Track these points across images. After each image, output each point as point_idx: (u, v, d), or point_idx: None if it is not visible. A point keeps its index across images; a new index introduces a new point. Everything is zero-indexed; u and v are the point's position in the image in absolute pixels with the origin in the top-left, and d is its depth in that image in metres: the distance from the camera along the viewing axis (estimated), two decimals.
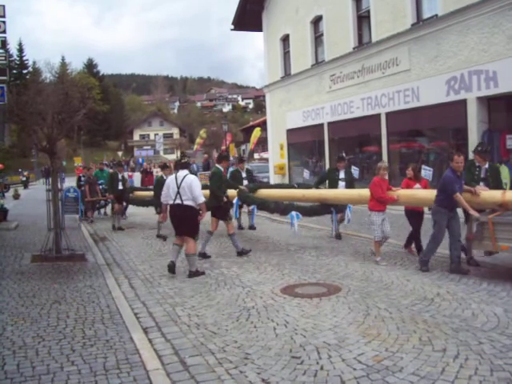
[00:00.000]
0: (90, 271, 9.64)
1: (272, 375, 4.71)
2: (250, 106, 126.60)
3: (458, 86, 14.26)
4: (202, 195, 8.97)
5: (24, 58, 78.05)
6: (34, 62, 71.05)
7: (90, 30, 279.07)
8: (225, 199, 10.65)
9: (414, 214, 9.82)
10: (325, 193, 11.48)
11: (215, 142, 67.18)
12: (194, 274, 8.92)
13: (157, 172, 30.93)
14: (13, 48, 70.26)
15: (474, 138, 13.89)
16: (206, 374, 4.79)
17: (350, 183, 12.15)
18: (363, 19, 18.76)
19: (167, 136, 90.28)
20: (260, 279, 8.49)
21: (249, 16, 25.58)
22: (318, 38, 21.74)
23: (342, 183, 12.04)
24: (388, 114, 17.26)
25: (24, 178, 47.16)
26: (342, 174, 12.18)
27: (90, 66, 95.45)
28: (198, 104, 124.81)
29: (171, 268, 8.97)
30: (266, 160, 29.09)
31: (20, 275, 9.30)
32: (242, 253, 10.56)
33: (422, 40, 15.56)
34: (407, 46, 16.16)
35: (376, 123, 17.75)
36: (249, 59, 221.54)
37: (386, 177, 9.79)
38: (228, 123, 45.70)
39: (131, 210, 18.84)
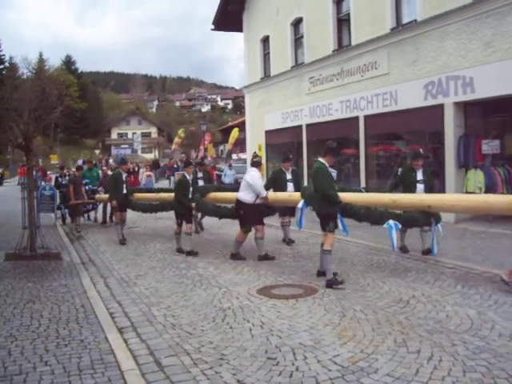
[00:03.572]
0: (65, 270, 9.55)
1: (247, 376, 4.70)
2: (229, 106, 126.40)
3: (436, 90, 14.42)
4: (262, 190, 10.11)
5: (0, 54, 76.95)
6: (11, 58, 70.04)
7: (71, 26, 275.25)
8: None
9: None
10: (428, 198, 8.97)
11: (194, 141, 67.21)
12: (232, 256, 10.29)
13: (143, 172, 30.16)
14: None
15: (450, 143, 14.07)
16: (181, 375, 4.77)
17: (430, 186, 10.16)
18: (343, 22, 18.84)
19: (145, 135, 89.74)
20: (236, 280, 8.48)
21: (229, 16, 25.52)
22: (297, 40, 21.79)
23: (420, 185, 9.99)
24: (366, 117, 17.36)
25: None
26: (419, 175, 10.09)
27: (69, 62, 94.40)
28: (177, 103, 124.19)
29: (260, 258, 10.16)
30: (244, 161, 29.11)
31: None
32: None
33: (401, 44, 15.70)
34: (386, 50, 16.29)
35: (354, 126, 17.84)
36: (230, 59, 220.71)
37: None
38: (207, 123, 45.77)
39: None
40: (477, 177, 13.52)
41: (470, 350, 5.11)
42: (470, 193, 13.07)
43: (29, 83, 12.04)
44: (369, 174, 17.46)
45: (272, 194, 10.58)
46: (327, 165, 8.21)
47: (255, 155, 11.26)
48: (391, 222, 8.52)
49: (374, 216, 8.68)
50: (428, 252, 9.90)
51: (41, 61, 67.83)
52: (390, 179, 15.88)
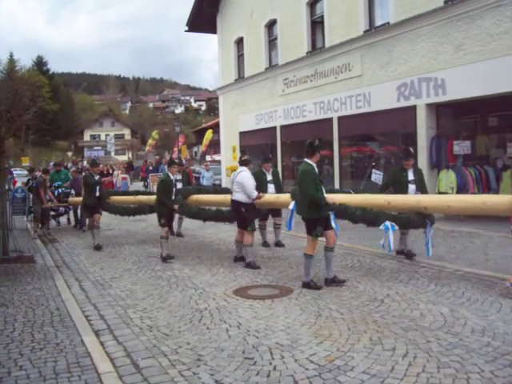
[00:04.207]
0: (38, 273, 9.43)
1: (225, 376, 4.71)
2: (203, 107, 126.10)
3: (409, 92, 14.62)
4: (252, 191, 9.60)
5: None
6: None
7: (42, 26, 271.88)
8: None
9: None
10: (424, 199, 8.66)
11: (167, 143, 67.04)
12: (247, 264, 9.49)
13: (118, 174, 29.69)
14: None
15: (422, 144, 14.27)
16: (158, 376, 4.76)
17: (422, 186, 9.67)
18: (317, 24, 19.00)
19: (119, 137, 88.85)
20: (212, 281, 8.48)
21: (204, 18, 25.55)
22: (271, 42, 21.89)
23: (412, 186, 9.53)
24: (340, 119, 17.52)
25: None
26: (411, 175, 9.64)
27: (40, 63, 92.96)
28: (151, 105, 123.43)
29: (236, 260, 9.99)
30: (218, 162, 29.06)
31: None
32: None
33: (374, 46, 15.88)
34: (360, 52, 16.45)
35: (328, 127, 17.98)
36: (203, 61, 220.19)
37: None
38: (180, 125, 45.59)
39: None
40: (449, 177, 13.74)
41: (443, 347, 5.20)
42: (442, 193, 13.29)
43: (0, 84, 11.87)
44: (343, 175, 17.63)
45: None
46: (314, 165, 7.84)
47: (243, 153, 10.92)
48: (388, 223, 8.21)
49: (369, 217, 8.33)
50: (402, 252, 9.94)
51: (11, 61, 66.69)
52: (364, 180, 16.09)
